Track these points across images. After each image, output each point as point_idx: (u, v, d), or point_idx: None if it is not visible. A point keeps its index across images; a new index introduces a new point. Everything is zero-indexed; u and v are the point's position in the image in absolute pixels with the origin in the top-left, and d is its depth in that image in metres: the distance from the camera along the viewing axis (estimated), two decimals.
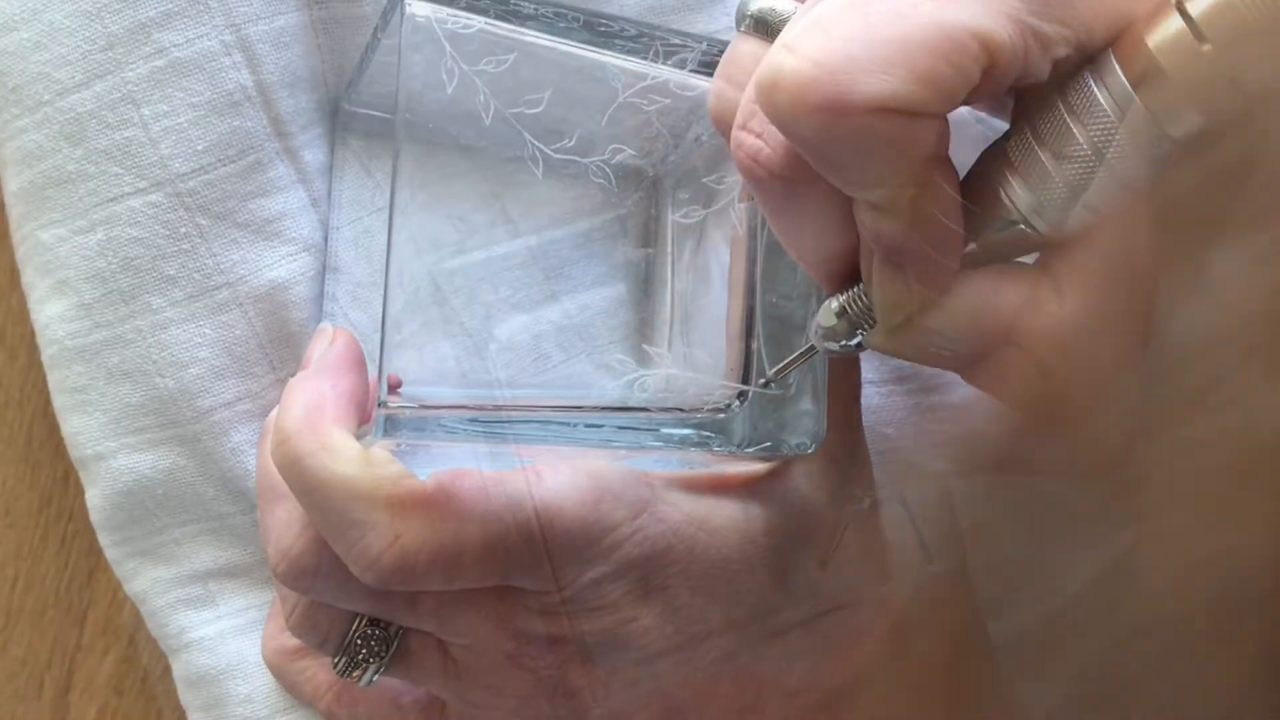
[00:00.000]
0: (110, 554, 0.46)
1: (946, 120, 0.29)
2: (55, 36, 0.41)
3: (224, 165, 0.41)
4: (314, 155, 0.42)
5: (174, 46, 0.40)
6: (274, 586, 0.43)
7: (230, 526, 0.44)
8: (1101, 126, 0.28)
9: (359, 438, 0.37)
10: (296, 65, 0.42)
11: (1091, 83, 0.28)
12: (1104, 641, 0.31)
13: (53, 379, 0.44)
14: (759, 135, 0.31)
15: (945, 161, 0.30)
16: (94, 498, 0.45)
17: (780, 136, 0.30)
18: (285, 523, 0.38)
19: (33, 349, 0.54)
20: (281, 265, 0.42)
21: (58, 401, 0.45)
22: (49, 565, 0.54)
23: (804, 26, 0.28)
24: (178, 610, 0.45)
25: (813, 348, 0.35)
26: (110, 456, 0.43)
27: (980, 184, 0.31)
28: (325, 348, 0.40)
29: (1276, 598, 0.27)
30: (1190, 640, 0.29)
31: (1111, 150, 0.28)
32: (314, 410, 0.37)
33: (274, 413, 0.40)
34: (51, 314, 0.43)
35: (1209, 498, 0.28)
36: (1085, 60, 0.29)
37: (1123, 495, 0.30)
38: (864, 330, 0.33)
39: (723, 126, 0.33)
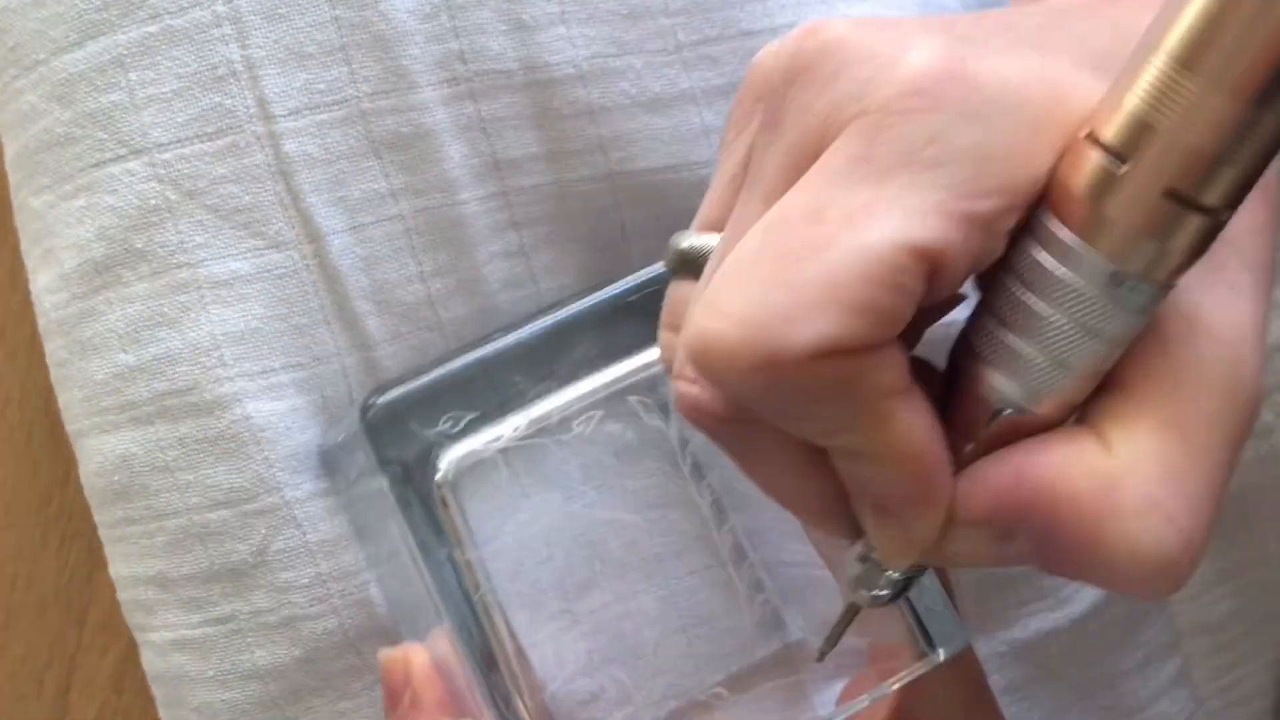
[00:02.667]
0: (99, 531, 0.45)
1: (902, 346, 0.26)
2: None
3: (201, 141, 0.40)
4: (296, 145, 0.40)
5: (167, 13, 0.40)
6: None
7: (166, 529, 0.41)
8: (1061, 292, 0.26)
9: None
10: (294, 38, 0.40)
11: (1035, 248, 0.26)
12: None
13: (46, 351, 0.44)
14: (695, 381, 0.29)
15: (910, 385, 0.27)
16: (81, 474, 0.45)
17: None
18: None
19: (33, 349, 0.55)
20: (245, 258, 0.40)
21: (50, 374, 0.44)
22: (49, 565, 0.54)
23: (721, 278, 0.26)
24: (134, 610, 0.44)
25: (854, 605, 0.32)
26: (86, 435, 0.43)
27: (960, 384, 0.28)
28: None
29: None
30: None
31: (1080, 311, 0.26)
32: None
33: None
34: (40, 285, 0.43)
35: None
36: (1022, 223, 0.26)
37: None
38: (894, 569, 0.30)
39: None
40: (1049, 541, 0.26)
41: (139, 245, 0.40)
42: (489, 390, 0.37)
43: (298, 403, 0.41)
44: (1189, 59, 0.24)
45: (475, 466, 0.37)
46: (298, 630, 0.41)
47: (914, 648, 0.37)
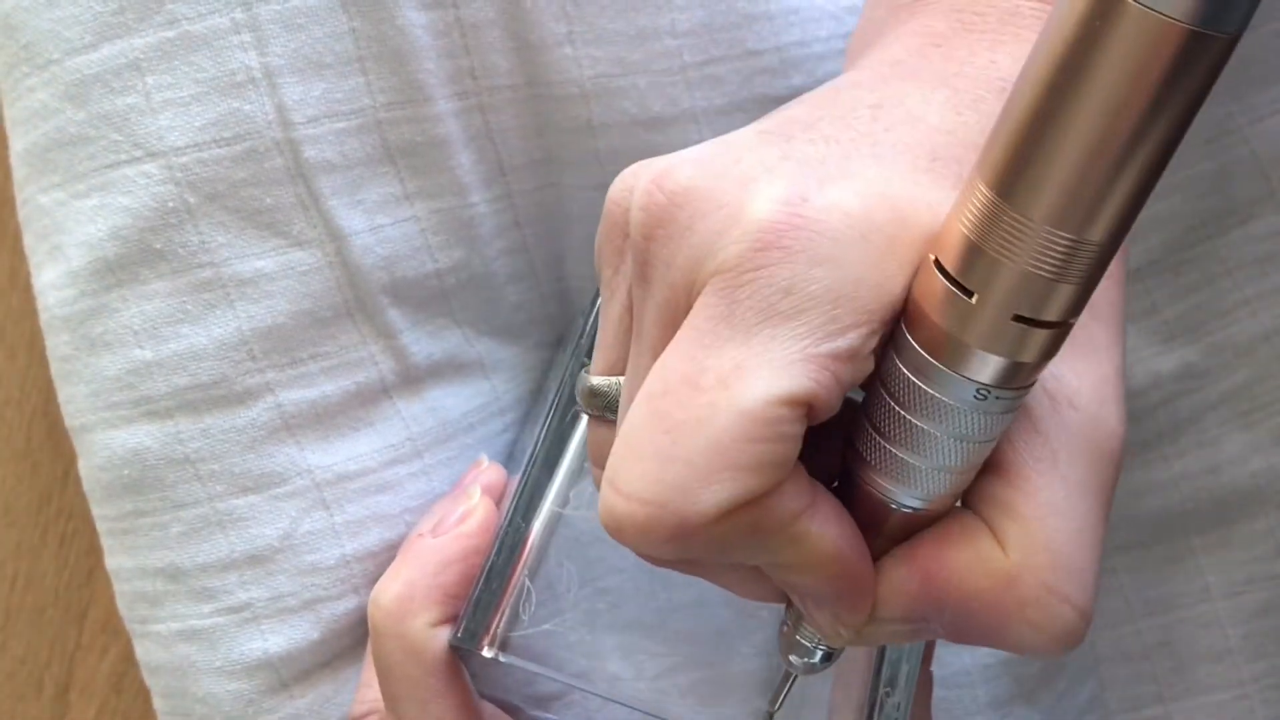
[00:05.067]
0: (97, 526, 0.46)
1: (798, 467, 0.28)
2: None
3: (219, 146, 0.40)
4: (316, 152, 0.41)
5: (185, 19, 0.40)
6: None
7: (182, 520, 0.42)
8: (931, 408, 0.27)
9: (452, 639, 0.39)
10: (312, 49, 0.41)
11: (901, 366, 0.27)
12: None
13: (47, 346, 0.44)
14: None
15: (814, 499, 0.29)
16: (82, 468, 0.45)
17: None
18: (366, 683, 0.41)
19: (32, 349, 0.55)
20: (269, 257, 0.41)
21: (51, 369, 0.45)
22: (48, 564, 0.54)
23: (618, 454, 0.28)
24: (136, 603, 0.44)
25: (789, 672, 0.34)
26: (91, 430, 0.43)
27: (855, 484, 0.30)
28: (459, 513, 0.41)
29: None
30: None
31: (951, 424, 0.27)
32: (406, 597, 0.39)
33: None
34: (45, 280, 0.43)
35: None
36: (888, 339, 0.28)
37: None
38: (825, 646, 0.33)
39: None
40: (961, 628, 0.30)
41: (157, 246, 0.41)
42: None
43: (328, 389, 0.42)
44: (1005, 189, 0.24)
45: None
46: (318, 613, 0.42)
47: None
